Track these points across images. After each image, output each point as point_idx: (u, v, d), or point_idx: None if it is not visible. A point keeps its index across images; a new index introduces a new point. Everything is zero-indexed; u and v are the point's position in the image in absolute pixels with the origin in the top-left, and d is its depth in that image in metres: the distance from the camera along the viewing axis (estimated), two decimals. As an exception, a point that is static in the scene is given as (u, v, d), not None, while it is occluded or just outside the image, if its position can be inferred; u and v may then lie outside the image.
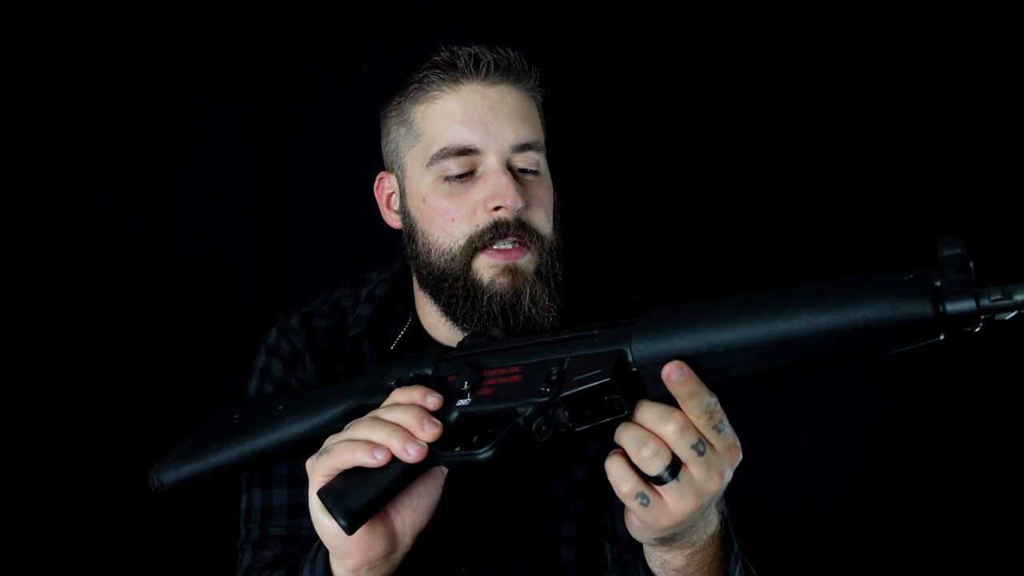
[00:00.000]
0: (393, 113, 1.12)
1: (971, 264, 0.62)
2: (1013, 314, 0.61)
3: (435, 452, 0.81)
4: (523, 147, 1.05)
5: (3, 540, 1.58)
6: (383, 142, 1.16)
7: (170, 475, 1.06)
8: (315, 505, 0.82)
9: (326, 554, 0.87)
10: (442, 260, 1.05)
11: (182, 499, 1.56)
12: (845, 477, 1.64)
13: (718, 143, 1.64)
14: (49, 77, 1.60)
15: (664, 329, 0.73)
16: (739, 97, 1.63)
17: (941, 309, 0.62)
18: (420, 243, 1.08)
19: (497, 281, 1.03)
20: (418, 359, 0.94)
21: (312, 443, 0.93)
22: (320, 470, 0.82)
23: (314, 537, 0.87)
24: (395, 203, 1.16)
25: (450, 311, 1.07)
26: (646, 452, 0.72)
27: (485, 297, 1.03)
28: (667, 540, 0.82)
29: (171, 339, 1.64)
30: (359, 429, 0.82)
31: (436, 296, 1.09)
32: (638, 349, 0.73)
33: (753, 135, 1.63)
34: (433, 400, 0.84)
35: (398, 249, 1.19)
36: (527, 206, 1.04)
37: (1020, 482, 1.59)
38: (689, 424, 0.72)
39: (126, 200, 1.63)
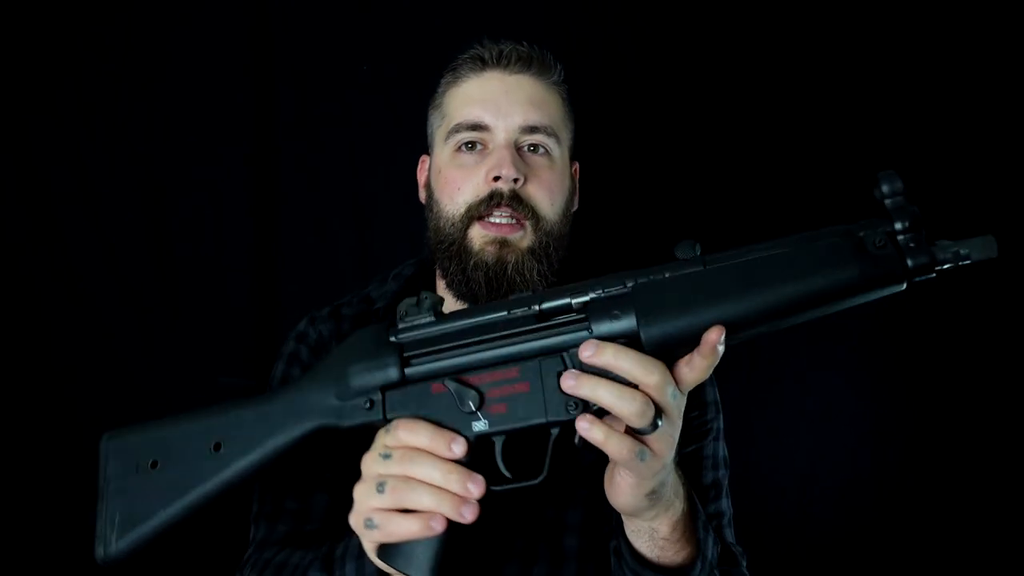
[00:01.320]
0: (434, 102, 1.24)
1: (919, 213, 0.75)
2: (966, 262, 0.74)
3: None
4: (531, 129, 1.13)
5: (3, 540, 1.58)
6: (427, 128, 1.26)
7: (120, 548, 0.91)
8: (377, 559, 0.83)
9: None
10: (446, 226, 1.13)
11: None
12: (842, 480, 1.64)
13: (718, 143, 1.64)
14: (49, 77, 1.60)
15: (673, 314, 0.77)
16: (739, 96, 1.63)
17: (908, 267, 0.74)
18: (434, 211, 1.17)
19: (486, 250, 1.10)
20: (376, 362, 0.87)
21: (273, 465, 0.90)
22: (373, 539, 0.82)
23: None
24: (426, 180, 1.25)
25: (444, 273, 1.15)
26: (635, 406, 0.74)
27: (471, 263, 1.10)
28: (653, 496, 0.84)
29: (171, 339, 1.64)
30: (400, 493, 0.79)
31: (438, 261, 1.16)
32: (650, 334, 0.76)
33: (753, 134, 1.63)
34: (459, 449, 0.81)
35: (398, 252, 1.20)
36: (526, 181, 1.10)
37: (1019, 483, 1.59)
38: (668, 373, 0.76)
39: (126, 200, 1.63)
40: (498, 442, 0.83)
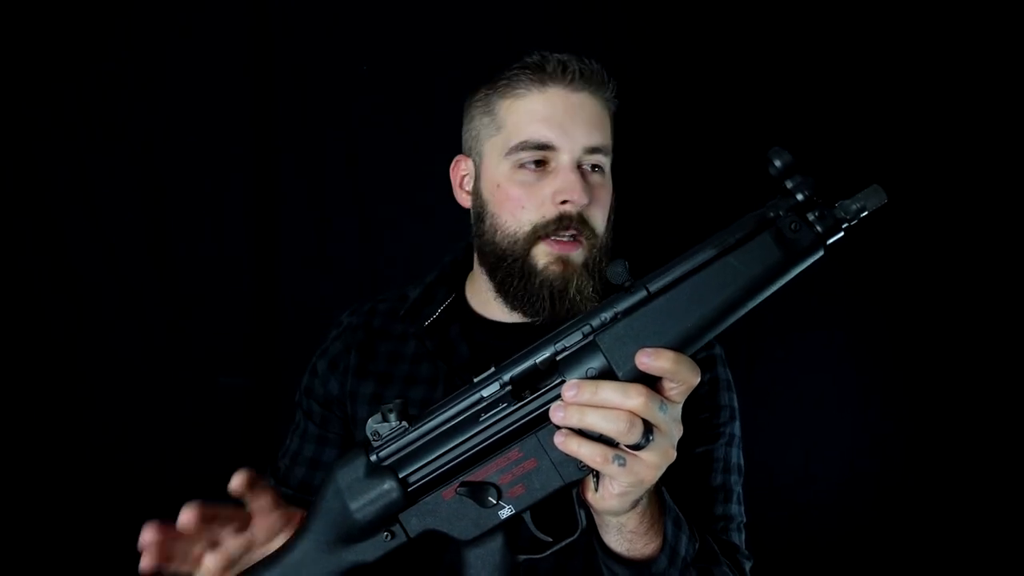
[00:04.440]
0: (479, 103, 1.21)
1: (814, 182, 0.82)
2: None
3: (532, 560, 0.88)
4: (593, 150, 1.16)
5: (3, 540, 1.58)
6: (464, 128, 1.25)
7: None
8: None
9: None
10: (505, 241, 1.16)
11: (181, 498, 1.59)
12: (840, 480, 1.64)
13: (718, 144, 1.64)
14: (50, 77, 1.60)
15: (638, 345, 0.81)
16: (739, 97, 1.63)
17: (821, 235, 0.82)
18: (488, 224, 1.19)
19: (550, 268, 1.13)
20: (375, 493, 0.86)
21: None
22: None
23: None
24: (468, 184, 1.25)
25: (503, 289, 1.18)
26: (619, 425, 0.78)
27: (537, 280, 1.14)
28: (636, 502, 0.87)
29: (171, 339, 1.65)
30: None
31: (492, 274, 1.19)
32: (625, 374, 0.81)
33: (753, 135, 1.61)
34: None
35: (398, 252, 1.19)
36: (590, 203, 1.14)
37: (1019, 481, 1.59)
38: (651, 392, 0.79)
39: (126, 200, 1.63)
40: (527, 516, 0.87)
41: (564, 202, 1.13)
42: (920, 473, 1.62)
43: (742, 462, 1.19)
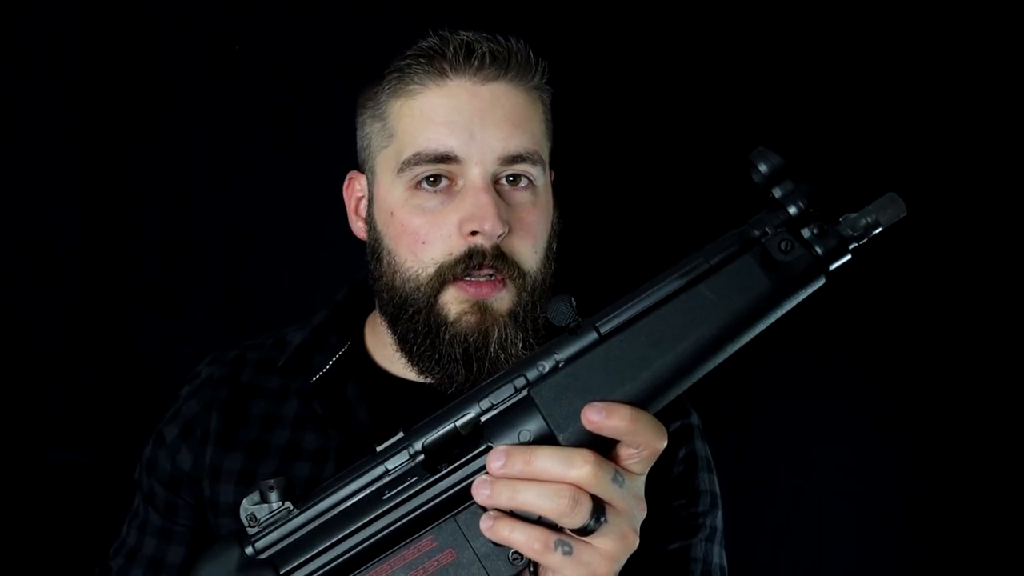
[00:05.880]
0: (369, 104, 1.04)
1: (810, 190, 0.72)
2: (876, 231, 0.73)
3: None
4: (514, 159, 0.96)
5: (2, 539, 1.57)
6: (357, 136, 1.07)
7: None
8: None
9: None
10: (407, 287, 0.98)
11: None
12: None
13: (719, 146, 1.55)
14: (49, 77, 1.58)
15: (584, 401, 0.70)
16: (740, 99, 1.56)
17: (821, 258, 0.71)
18: (385, 263, 1.01)
19: (464, 319, 0.96)
20: None
21: None
22: None
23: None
24: (364, 210, 1.08)
25: (406, 346, 1.00)
26: (560, 503, 0.66)
27: (447, 336, 0.96)
28: None
29: (170, 339, 1.61)
30: None
31: (393, 326, 1.02)
32: (568, 439, 0.70)
33: (735, 134, 1.54)
34: None
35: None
36: (511, 232, 0.96)
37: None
38: (603, 460, 0.67)
39: (107, 196, 1.59)
40: None
41: (474, 232, 0.94)
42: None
43: (725, 563, 1.05)
